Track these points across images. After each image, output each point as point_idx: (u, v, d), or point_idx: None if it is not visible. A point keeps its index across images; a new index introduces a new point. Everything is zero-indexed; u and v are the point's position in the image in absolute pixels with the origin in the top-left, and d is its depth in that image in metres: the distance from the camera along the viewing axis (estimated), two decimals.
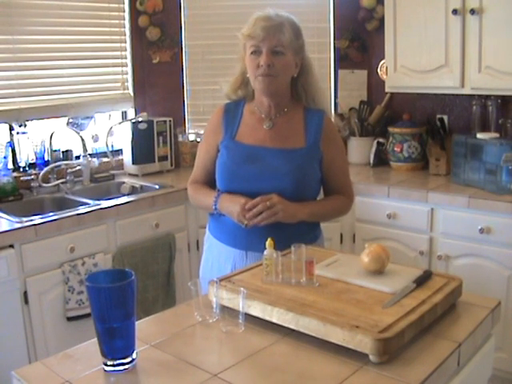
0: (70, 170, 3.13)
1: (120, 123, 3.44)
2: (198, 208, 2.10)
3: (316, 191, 1.91)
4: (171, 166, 3.49)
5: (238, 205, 1.75)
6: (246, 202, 1.74)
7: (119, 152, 3.50)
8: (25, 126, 3.06)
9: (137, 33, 3.50)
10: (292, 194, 1.79)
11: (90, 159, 3.12)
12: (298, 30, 1.82)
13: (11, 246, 2.37)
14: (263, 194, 1.76)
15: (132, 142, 3.34)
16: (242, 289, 1.32)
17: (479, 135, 2.86)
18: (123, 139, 3.42)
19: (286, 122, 1.87)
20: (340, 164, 1.92)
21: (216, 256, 1.92)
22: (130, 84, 3.55)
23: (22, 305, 2.42)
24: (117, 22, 3.42)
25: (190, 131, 3.64)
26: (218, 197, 1.83)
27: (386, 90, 3.28)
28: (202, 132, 3.49)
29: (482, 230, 2.65)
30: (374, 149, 3.42)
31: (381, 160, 3.43)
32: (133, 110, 3.59)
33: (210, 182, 1.94)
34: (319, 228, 1.96)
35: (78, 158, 3.22)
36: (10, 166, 3.02)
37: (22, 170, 3.07)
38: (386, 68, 3.21)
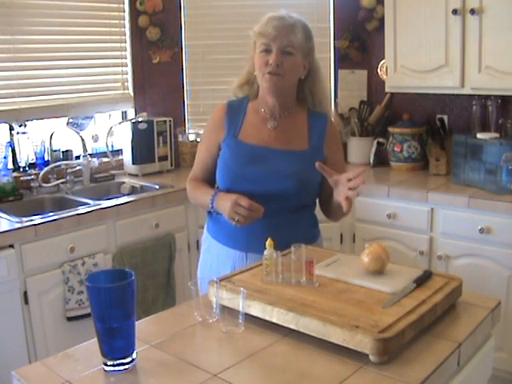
0: (70, 170, 3.13)
1: (120, 123, 3.44)
2: (196, 205, 2.10)
3: (316, 194, 1.91)
4: (171, 165, 3.49)
5: (229, 201, 1.72)
6: (238, 197, 1.71)
7: (119, 152, 3.50)
8: (25, 126, 3.06)
9: (137, 33, 3.50)
10: (293, 195, 1.79)
11: (89, 159, 3.12)
12: (309, 33, 1.83)
13: (11, 246, 2.37)
14: (266, 195, 1.76)
15: (132, 141, 3.34)
16: (242, 289, 1.32)
17: (479, 135, 2.86)
18: (123, 139, 3.42)
19: (289, 123, 1.87)
20: (342, 167, 1.92)
21: (215, 257, 1.91)
22: (130, 84, 3.55)
23: (21, 305, 2.42)
24: (117, 22, 3.42)
25: (190, 131, 3.64)
26: (215, 195, 1.81)
27: (386, 89, 3.28)
28: (202, 132, 3.49)
29: (482, 230, 2.65)
30: (373, 149, 3.42)
31: (381, 160, 3.43)
32: (133, 109, 3.59)
33: (209, 180, 1.93)
34: (318, 228, 1.96)
35: (78, 157, 3.22)
36: (10, 166, 3.02)
37: (22, 170, 3.06)
38: (386, 68, 3.21)
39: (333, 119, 1.98)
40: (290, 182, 1.78)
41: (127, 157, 3.40)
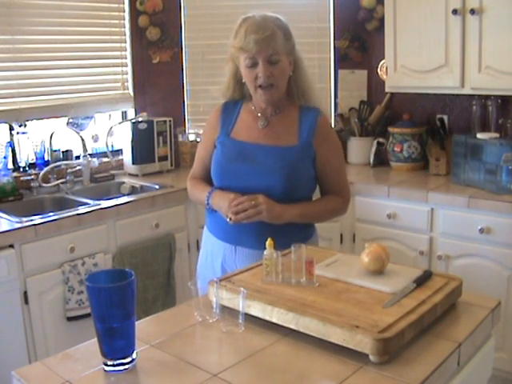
0: (70, 170, 3.13)
1: (120, 123, 3.44)
2: (196, 202, 2.15)
3: (309, 189, 1.91)
4: (171, 165, 3.49)
5: (226, 200, 1.78)
6: (235, 197, 1.77)
7: (119, 152, 3.50)
8: (25, 126, 3.06)
9: (137, 33, 3.50)
10: (282, 191, 1.80)
11: (89, 159, 3.12)
12: (287, 31, 1.83)
13: (11, 246, 2.37)
14: (254, 190, 1.78)
15: (132, 141, 3.34)
16: (242, 289, 1.32)
17: (479, 135, 2.86)
18: (123, 139, 3.42)
19: (280, 121, 1.89)
20: (334, 163, 1.92)
21: (210, 249, 1.97)
22: (130, 84, 3.55)
23: (22, 305, 2.42)
24: (117, 22, 3.42)
25: (190, 131, 3.64)
26: (211, 193, 1.88)
27: (386, 89, 3.28)
28: (201, 132, 3.49)
29: (482, 230, 2.65)
30: (373, 149, 3.42)
31: (381, 160, 3.43)
32: (133, 109, 3.59)
33: (208, 178, 1.97)
34: (313, 226, 1.96)
35: (78, 158, 3.22)
36: (10, 166, 3.01)
37: (22, 170, 3.06)
38: (386, 68, 3.21)
39: (332, 116, 1.99)
40: (278, 177, 1.80)
41: (127, 157, 3.40)
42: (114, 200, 2.85)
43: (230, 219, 1.76)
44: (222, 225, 1.87)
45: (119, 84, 3.49)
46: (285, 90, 1.88)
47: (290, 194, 1.82)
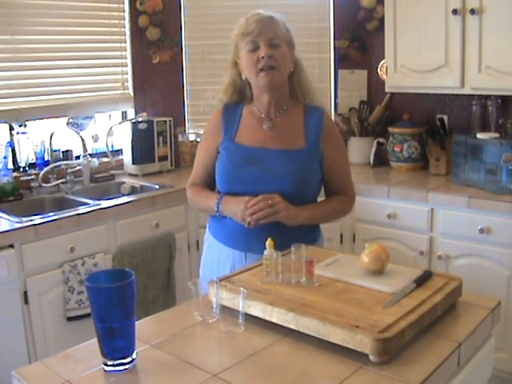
0: (70, 170, 3.13)
1: (120, 123, 3.44)
2: (198, 210, 2.10)
3: (316, 192, 1.90)
4: (171, 165, 3.50)
5: (242, 203, 1.74)
6: (250, 199, 1.73)
7: (119, 152, 3.50)
8: (25, 126, 3.06)
9: (137, 33, 3.50)
10: (293, 195, 1.78)
11: (89, 159, 3.12)
12: (286, 25, 1.85)
13: (11, 246, 2.37)
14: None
15: (132, 141, 3.34)
16: (242, 289, 1.32)
17: (479, 135, 2.86)
18: (123, 139, 3.43)
19: (285, 122, 1.87)
20: (341, 164, 1.91)
21: (216, 256, 1.92)
22: (130, 84, 3.55)
23: (22, 305, 2.42)
24: (117, 22, 3.42)
25: (190, 131, 3.64)
26: (221, 199, 1.83)
27: (386, 89, 3.28)
28: (202, 132, 3.49)
29: (482, 230, 2.65)
30: (373, 149, 3.42)
31: (381, 160, 3.43)
32: (133, 110, 3.59)
33: (209, 184, 1.93)
34: (319, 229, 1.95)
35: (78, 158, 3.22)
36: (10, 166, 3.01)
37: (22, 170, 3.06)
38: (386, 68, 3.21)
39: (333, 116, 1.98)
40: (288, 182, 1.78)
41: (127, 157, 3.40)
42: (114, 200, 2.85)
43: (249, 223, 1.72)
44: (230, 231, 1.84)
45: (119, 84, 3.49)
46: (287, 88, 1.87)
47: (299, 198, 1.80)
